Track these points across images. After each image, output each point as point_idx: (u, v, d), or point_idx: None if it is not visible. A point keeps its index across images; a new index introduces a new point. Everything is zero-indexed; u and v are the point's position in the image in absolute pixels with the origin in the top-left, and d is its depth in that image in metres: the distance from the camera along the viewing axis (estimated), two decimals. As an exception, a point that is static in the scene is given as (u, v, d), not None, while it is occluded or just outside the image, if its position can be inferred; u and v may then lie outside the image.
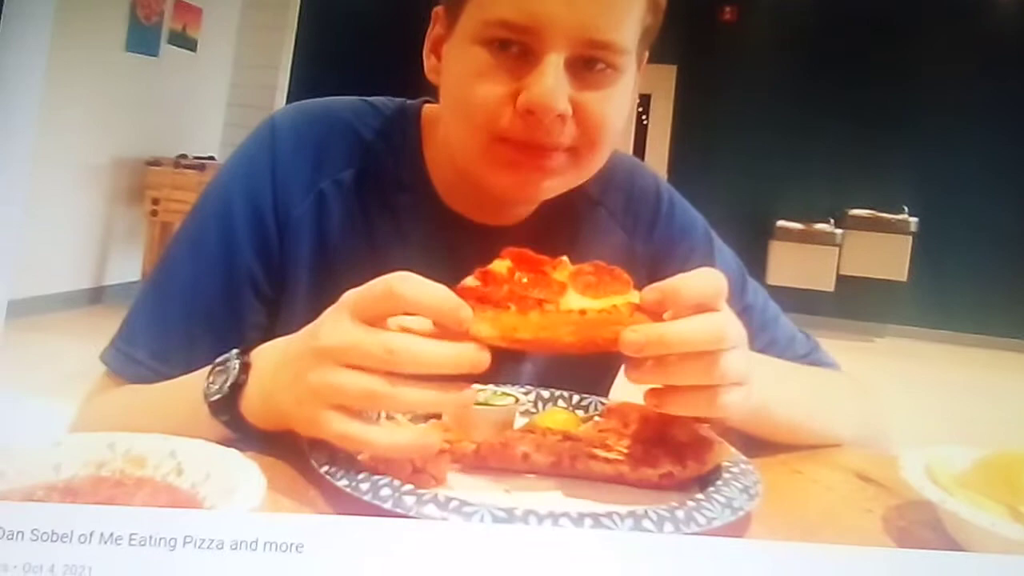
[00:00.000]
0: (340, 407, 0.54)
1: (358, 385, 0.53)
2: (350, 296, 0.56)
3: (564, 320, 0.54)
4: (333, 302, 0.58)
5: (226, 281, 0.79)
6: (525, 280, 0.56)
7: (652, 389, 0.57)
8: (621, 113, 0.74)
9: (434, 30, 0.78)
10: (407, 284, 0.53)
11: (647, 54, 0.78)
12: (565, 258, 0.58)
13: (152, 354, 0.77)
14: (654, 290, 0.55)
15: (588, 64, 0.70)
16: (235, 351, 0.64)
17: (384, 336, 0.53)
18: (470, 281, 0.56)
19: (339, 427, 0.54)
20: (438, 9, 0.77)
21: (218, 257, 0.79)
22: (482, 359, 0.54)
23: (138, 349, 0.77)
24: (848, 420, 0.78)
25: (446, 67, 0.75)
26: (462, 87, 0.72)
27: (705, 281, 0.56)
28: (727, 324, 0.56)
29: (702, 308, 0.55)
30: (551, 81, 0.68)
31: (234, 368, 0.62)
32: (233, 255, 0.79)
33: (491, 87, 0.70)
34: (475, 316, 0.53)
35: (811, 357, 0.88)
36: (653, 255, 0.87)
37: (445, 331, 0.54)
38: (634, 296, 0.55)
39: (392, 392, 0.53)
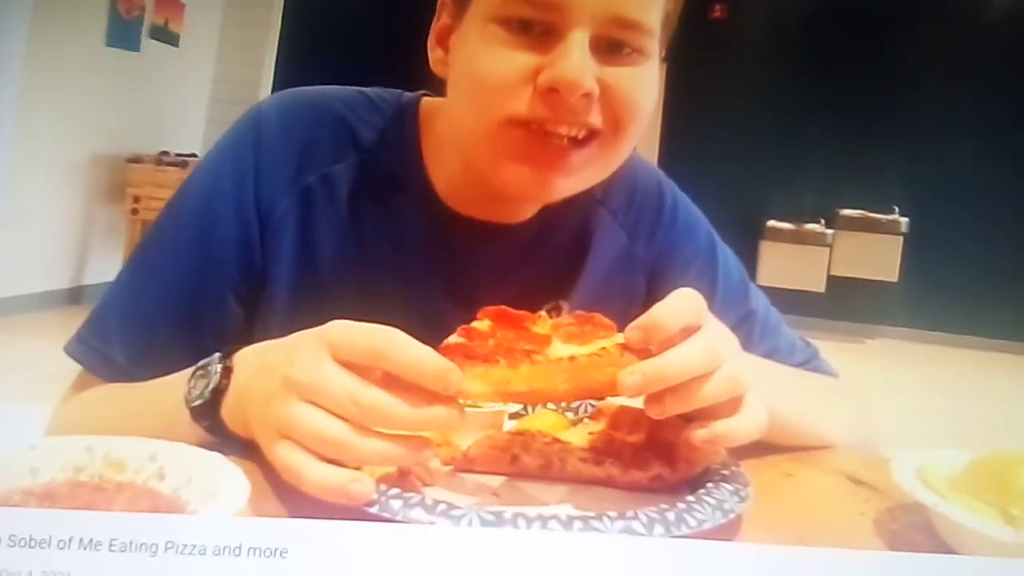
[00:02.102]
0: (286, 436, 0.52)
1: (312, 425, 0.51)
2: (336, 331, 0.52)
3: (556, 368, 0.54)
4: (315, 306, 0.56)
5: (203, 280, 0.75)
6: (510, 336, 0.55)
7: (691, 424, 0.56)
8: (651, 95, 0.70)
9: (440, 20, 0.74)
10: (394, 346, 0.50)
11: (665, 51, 0.75)
12: (543, 313, 0.57)
13: (128, 356, 0.74)
14: (636, 329, 0.53)
15: (613, 47, 0.66)
16: (217, 355, 0.61)
17: (354, 387, 0.50)
18: (453, 339, 0.55)
19: (282, 455, 0.51)
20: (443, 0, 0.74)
21: (195, 254, 0.75)
22: (452, 420, 0.51)
23: (114, 349, 0.75)
24: (842, 424, 0.78)
25: (456, 52, 0.71)
26: (475, 66, 0.67)
27: (683, 304, 0.55)
28: (717, 339, 0.55)
29: (688, 331, 0.54)
30: (577, 57, 0.63)
31: (216, 372, 0.60)
32: (211, 252, 0.75)
33: (509, 63, 0.65)
34: (465, 373, 0.52)
35: (811, 364, 0.87)
36: (654, 259, 0.85)
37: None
38: (620, 337, 0.55)
39: (345, 440, 0.50)
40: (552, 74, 0.64)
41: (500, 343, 0.55)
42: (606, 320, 0.56)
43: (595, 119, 0.67)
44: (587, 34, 0.64)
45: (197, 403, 0.60)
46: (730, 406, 0.55)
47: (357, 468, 0.53)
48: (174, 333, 0.74)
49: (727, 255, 0.89)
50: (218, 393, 0.59)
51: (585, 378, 0.54)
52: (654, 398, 0.54)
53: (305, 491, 0.51)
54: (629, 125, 0.69)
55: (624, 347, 0.54)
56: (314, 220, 0.76)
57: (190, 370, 0.62)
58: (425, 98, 0.82)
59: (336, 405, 0.50)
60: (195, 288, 0.75)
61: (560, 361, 0.54)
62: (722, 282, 0.85)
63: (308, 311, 0.56)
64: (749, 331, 0.67)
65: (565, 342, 0.55)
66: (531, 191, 0.70)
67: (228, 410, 0.59)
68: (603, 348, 0.54)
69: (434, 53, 0.75)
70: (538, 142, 0.67)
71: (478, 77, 0.67)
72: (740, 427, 0.55)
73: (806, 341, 0.90)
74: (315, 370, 0.51)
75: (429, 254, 0.79)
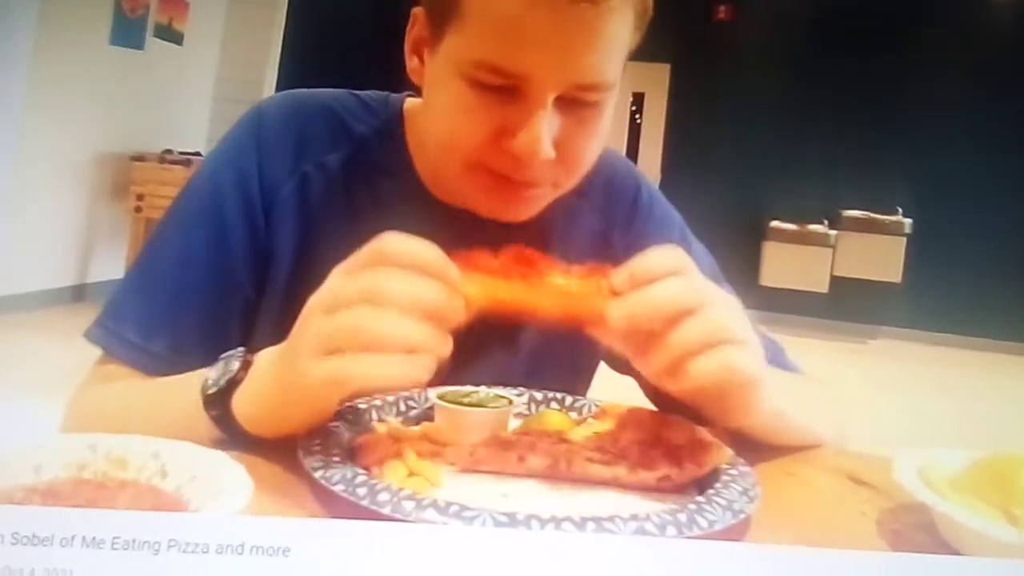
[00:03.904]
0: (323, 351, 0.54)
1: (338, 320, 0.54)
2: (334, 271, 0.58)
3: (547, 290, 0.57)
4: (315, 286, 0.58)
5: (216, 260, 0.80)
6: (516, 265, 0.59)
7: (667, 377, 0.57)
8: (603, 136, 0.74)
9: (414, 30, 0.77)
10: (396, 238, 0.56)
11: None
12: (560, 265, 0.60)
13: (142, 334, 0.77)
14: (622, 270, 0.57)
15: (576, 101, 0.69)
16: (241, 349, 0.64)
17: (363, 276, 0.55)
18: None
19: (321, 369, 0.53)
20: (417, 10, 0.76)
21: (208, 237, 0.80)
22: (458, 304, 0.55)
23: (128, 329, 0.78)
24: (829, 423, 0.79)
25: (428, 85, 0.75)
26: (443, 120, 0.72)
27: (668, 252, 0.58)
28: (701, 281, 0.58)
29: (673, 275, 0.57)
30: (540, 131, 0.67)
31: (234, 365, 0.63)
32: (222, 234, 0.80)
33: (474, 126, 0.69)
34: (463, 276, 0.55)
35: (777, 360, 0.88)
36: (628, 247, 0.86)
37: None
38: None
39: (372, 320, 0.53)
40: (516, 145, 0.68)
41: (503, 265, 0.58)
42: (604, 267, 0.59)
43: (550, 174, 0.72)
44: (550, 100, 0.67)
45: (212, 391, 0.62)
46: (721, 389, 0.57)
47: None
48: (188, 313, 0.78)
49: (698, 247, 0.92)
50: (233, 384, 0.62)
51: (573, 305, 0.57)
52: (640, 349, 0.56)
53: (360, 390, 0.56)
54: (580, 170, 0.75)
55: (615, 291, 0.56)
56: (312, 204, 0.82)
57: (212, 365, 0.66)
58: (409, 98, 0.87)
59: (349, 300, 0.54)
60: (210, 269, 0.80)
61: (553, 285, 0.57)
62: None
63: (308, 288, 0.59)
64: None
65: (566, 280, 0.58)
66: (497, 215, 0.77)
67: (238, 400, 0.61)
68: (597, 283, 0.57)
69: (410, 62, 0.78)
70: (500, 182, 0.72)
71: (446, 135, 0.72)
72: (707, 364, 0.55)
73: (770, 338, 0.90)
74: (328, 284, 0.56)
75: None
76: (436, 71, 0.72)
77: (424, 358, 0.53)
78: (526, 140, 0.67)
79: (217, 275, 0.80)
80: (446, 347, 0.55)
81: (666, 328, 0.55)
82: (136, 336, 0.77)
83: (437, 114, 0.73)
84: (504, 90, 0.68)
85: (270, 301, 0.81)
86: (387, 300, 0.53)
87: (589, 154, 0.74)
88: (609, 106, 0.73)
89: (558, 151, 0.69)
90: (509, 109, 0.68)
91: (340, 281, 0.56)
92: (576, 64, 0.67)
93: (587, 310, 0.56)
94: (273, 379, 0.60)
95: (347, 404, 0.66)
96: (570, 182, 0.76)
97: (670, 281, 0.56)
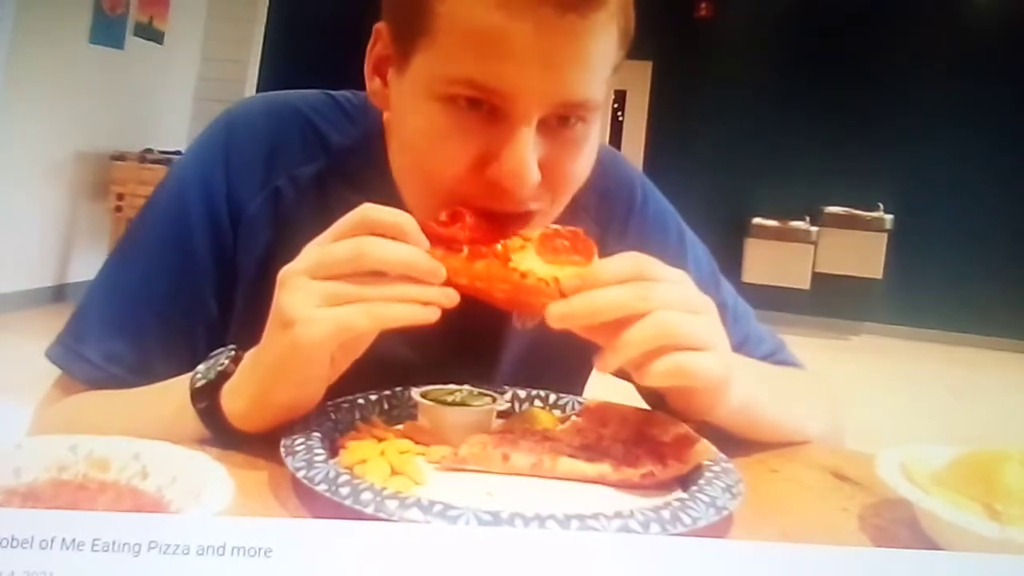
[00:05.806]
0: (324, 305, 0.56)
1: (332, 278, 0.56)
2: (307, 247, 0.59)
3: (503, 278, 0.59)
4: None
5: (179, 279, 0.76)
6: (485, 234, 0.61)
7: (632, 371, 0.59)
8: (591, 159, 0.70)
9: (375, 48, 0.72)
10: (377, 208, 0.58)
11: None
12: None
13: (104, 355, 0.74)
14: (574, 276, 0.58)
15: (561, 121, 0.65)
16: (232, 346, 0.65)
17: (345, 243, 0.57)
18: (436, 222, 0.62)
19: (327, 317, 0.55)
20: (380, 27, 0.71)
21: (171, 254, 0.76)
22: (438, 268, 0.58)
23: (88, 348, 0.75)
24: (818, 418, 0.79)
25: (397, 110, 0.70)
26: (418, 148, 0.67)
27: (628, 260, 0.59)
28: (654, 285, 0.58)
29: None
30: (525, 154, 0.63)
31: (226, 359, 0.63)
32: (186, 252, 0.76)
33: (452, 153, 0.65)
34: (430, 252, 0.58)
35: (778, 355, 0.88)
36: (624, 250, 0.86)
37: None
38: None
39: (360, 290, 0.56)
40: (499, 171, 0.63)
41: (474, 236, 0.61)
42: (590, 244, 0.61)
43: (535, 203, 0.67)
44: (535, 120, 0.63)
45: (201, 383, 0.63)
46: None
47: None
48: (150, 333, 0.75)
49: (697, 247, 0.90)
50: (222, 376, 0.62)
51: (521, 297, 0.60)
52: (599, 345, 0.58)
53: (374, 323, 0.56)
54: (566, 195, 0.70)
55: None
56: (284, 220, 0.77)
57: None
58: None
59: (340, 265, 0.56)
60: (172, 288, 0.76)
61: (513, 272, 0.59)
62: (693, 274, 0.85)
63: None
64: (721, 320, 0.69)
65: (540, 252, 0.60)
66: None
67: (227, 393, 0.62)
68: (555, 278, 0.58)
69: (372, 83, 0.73)
70: (483, 220, 0.67)
71: (421, 163, 0.68)
72: (660, 367, 0.57)
73: (771, 333, 0.91)
74: (311, 250, 0.58)
75: None
76: (405, 94, 0.68)
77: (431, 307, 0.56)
78: (510, 163, 0.63)
79: (182, 296, 0.76)
80: (448, 298, 0.58)
81: (615, 330, 0.57)
82: (97, 356, 0.74)
83: (410, 142, 0.68)
84: (483, 110, 0.64)
85: (240, 323, 0.76)
86: (377, 263, 0.56)
87: (576, 179, 0.69)
88: (595, 128, 0.69)
89: (545, 173, 0.65)
90: (489, 132, 0.64)
91: (321, 250, 0.58)
92: (562, 80, 0.63)
93: (531, 305, 0.59)
94: (264, 354, 0.60)
95: (329, 403, 0.65)
96: (558, 208, 0.70)
97: (614, 288, 0.57)
